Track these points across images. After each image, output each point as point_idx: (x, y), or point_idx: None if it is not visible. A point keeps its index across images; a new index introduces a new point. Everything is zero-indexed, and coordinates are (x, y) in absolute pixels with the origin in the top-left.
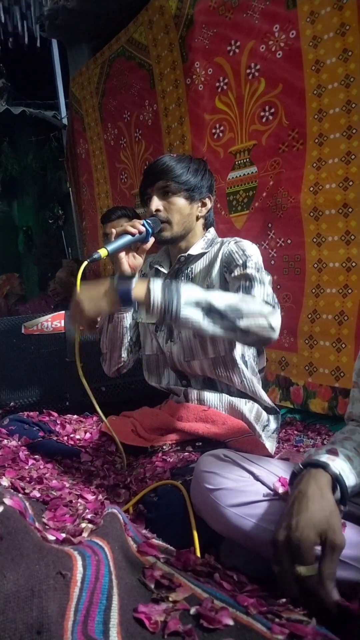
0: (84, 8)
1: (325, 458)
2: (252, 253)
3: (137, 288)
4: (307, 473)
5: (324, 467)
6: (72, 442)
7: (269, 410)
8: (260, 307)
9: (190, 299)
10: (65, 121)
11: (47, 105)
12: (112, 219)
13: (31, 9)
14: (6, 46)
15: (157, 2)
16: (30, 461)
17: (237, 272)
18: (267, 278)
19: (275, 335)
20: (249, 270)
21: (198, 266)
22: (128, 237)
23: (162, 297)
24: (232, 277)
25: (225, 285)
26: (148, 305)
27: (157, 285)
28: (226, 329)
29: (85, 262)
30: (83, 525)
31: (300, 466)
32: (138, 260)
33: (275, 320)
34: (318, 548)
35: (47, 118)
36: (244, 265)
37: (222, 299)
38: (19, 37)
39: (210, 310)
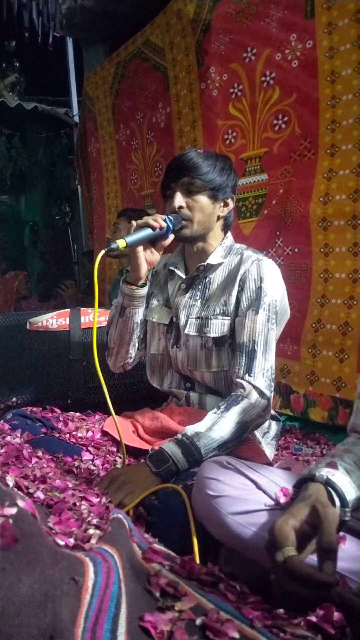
0: (102, 8)
1: (324, 472)
2: (269, 287)
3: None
4: (304, 488)
5: (319, 480)
6: (74, 440)
7: (271, 417)
8: (258, 408)
9: (208, 455)
10: (77, 119)
11: (59, 101)
12: (124, 214)
13: (48, 6)
14: (21, 42)
15: (175, 5)
16: (34, 459)
17: (248, 315)
18: (274, 333)
19: (269, 416)
20: (258, 323)
21: (216, 277)
22: (148, 231)
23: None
24: (241, 318)
25: (238, 306)
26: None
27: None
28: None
29: (103, 252)
30: (91, 531)
31: (295, 488)
32: (155, 256)
33: (268, 410)
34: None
35: (59, 115)
36: (256, 308)
37: (229, 432)
38: (34, 33)
39: (223, 446)
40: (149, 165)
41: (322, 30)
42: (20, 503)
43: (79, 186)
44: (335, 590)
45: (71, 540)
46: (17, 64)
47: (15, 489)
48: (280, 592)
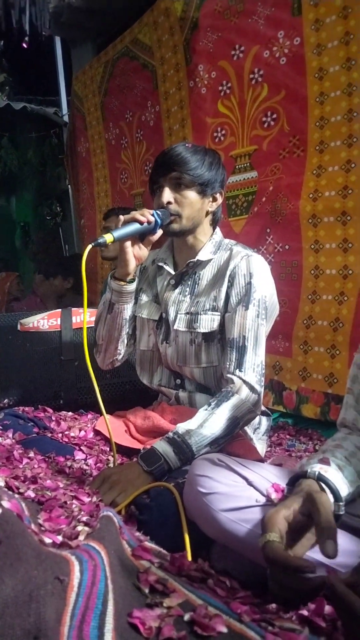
0: (89, 6)
1: (317, 468)
2: (258, 283)
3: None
4: (297, 485)
5: (311, 476)
6: (67, 440)
7: (261, 412)
8: (249, 403)
9: (200, 452)
10: (66, 118)
11: (48, 101)
12: (111, 215)
13: (35, 4)
14: (8, 41)
15: (163, 3)
16: (24, 460)
17: (238, 310)
18: (264, 329)
19: (259, 411)
20: (248, 319)
21: (206, 273)
22: (136, 226)
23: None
24: (231, 313)
25: (227, 301)
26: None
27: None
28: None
29: (90, 246)
30: (79, 528)
31: (289, 486)
32: (143, 251)
33: (259, 405)
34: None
35: (48, 114)
36: (246, 304)
37: (220, 428)
38: (22, 32)
39: (214, 442)
40: (138, 164)
41: (309, 27)
42: (5, 504)
43: (69, 186)
44: (330, 580)
45: (59, 538)
46: (6, 64)
47: (5, 489)
48: (274, 585)
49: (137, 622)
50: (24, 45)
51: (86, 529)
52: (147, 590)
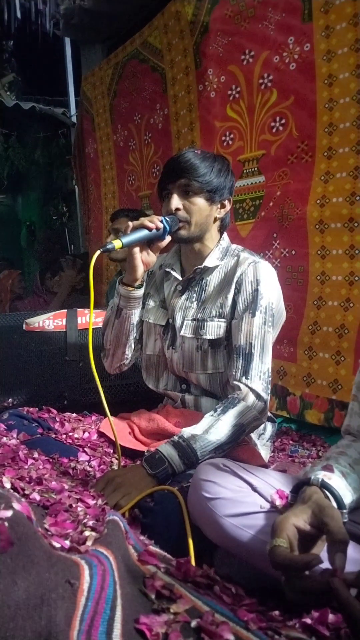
0: (100, 9)
1: (321, 475)
2: (265, 290)
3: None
4: (301, 492)
5: (315, 483)
6: (71, 441)
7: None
8: (255, 410)
9: (204, 457)
10: (74, 119)
11: (57, 101)
12: (119, 217)
13: (47, 5)
14: (19, 41)
15: (174, 7)
16: (30, 461)
17: (245, 317)
18: (271, 336)
19: (265, 419)
20: (255, 326)
21: (212, 279)
22: (145, 232)
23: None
24: (237, 320)
25: (234, 308)
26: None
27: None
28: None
29: (98, 252)
30: (87, 533)
31: (293, 493)
32: (152, 257)
33: (265, 413)
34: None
35: (56, 115)
36: (253, 311)
37: (225, 434)
38: (32, 32)
39: (219, 448)
40: (146, 166)
41: (319, 34)
42: (16, 506)
43: (76, 186)
44: (334, 584)
45: (67, 543)
46: (15, 64)
47: (11, 491)
48: (292, 592)
49: (144, 628)
50: (34, 45)
51: (93, 534)
52: (153, 596)
